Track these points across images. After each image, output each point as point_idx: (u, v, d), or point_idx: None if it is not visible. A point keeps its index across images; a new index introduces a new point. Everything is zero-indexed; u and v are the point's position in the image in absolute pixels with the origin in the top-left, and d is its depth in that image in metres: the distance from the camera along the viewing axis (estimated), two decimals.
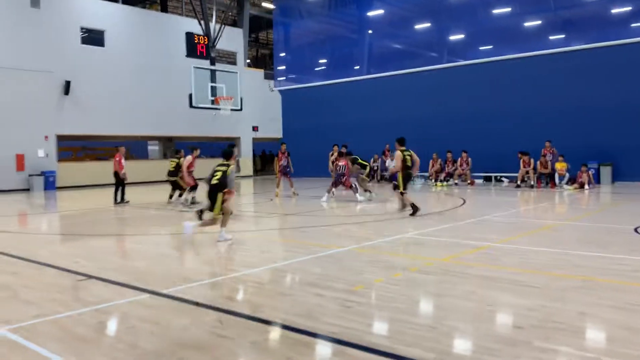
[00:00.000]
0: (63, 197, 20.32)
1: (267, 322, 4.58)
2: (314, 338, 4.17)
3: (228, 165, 9.18)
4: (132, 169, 28.16)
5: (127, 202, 15.96)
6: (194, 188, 14.89)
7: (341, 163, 15.13)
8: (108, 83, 27.04)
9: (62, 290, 5.81)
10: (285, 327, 4.45)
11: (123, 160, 16.01)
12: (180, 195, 15.65)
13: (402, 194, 11.76)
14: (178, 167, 15.34)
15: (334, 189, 15.80)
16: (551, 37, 22.75)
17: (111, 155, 34.28)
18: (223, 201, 8.87)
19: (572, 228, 9.78)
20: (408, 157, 11.77)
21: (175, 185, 15.65)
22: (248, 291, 5.71)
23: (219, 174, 9.06)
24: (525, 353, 3.75)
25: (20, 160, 24.02)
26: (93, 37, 26.95)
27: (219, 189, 8.86)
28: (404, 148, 11.86)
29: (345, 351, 3.88)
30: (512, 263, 6.66)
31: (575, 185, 17.83)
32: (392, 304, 4.98)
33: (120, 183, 15.95)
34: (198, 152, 15.11)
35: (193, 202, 14.77)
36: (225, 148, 9.57)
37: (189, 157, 14.79)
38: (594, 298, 5.06)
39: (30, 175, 24.11)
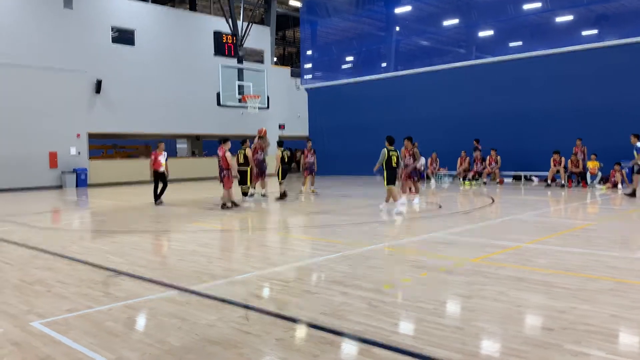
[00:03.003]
0: (94, 194, 20.75)
1: (292, 320, 4.59)
2: (339, 336, 4.16)
3: (397, 150, 12.23)
4: None
5: (161, 202, 15.38)
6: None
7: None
8: (138, 82, 27.49)
9: (93, 286, 5.94)
10: (311, 325, 4.45)
11: (162, 158, 15.17)
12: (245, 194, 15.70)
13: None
14: (246, 158, 15.30)
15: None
16: (584, 33, 22.21)
17: (141, 153, 34.98)
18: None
19: (605, 229, 9.55)
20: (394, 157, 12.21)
21: (242, 179, 15.50)
22: (274, 289, 5.74)
23: (394, 159, 12.07)
24: (555, 356, 3.67)
25: (53, 158, 24.63)
26: (124, 37, 27.42)
27: (398, 170, 12.21)
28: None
29: (371, 350, 3.86)
30: (543, 264, 6.53)
31: (608, 184, 17.41)
32: (419, 304, 4.94)
33: (157, 182, 15.35)
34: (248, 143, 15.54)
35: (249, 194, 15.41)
36: (389, 135, 12.28)
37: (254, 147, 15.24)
38: (626, 300, 4.94)
39: (62, 173, 24.70)
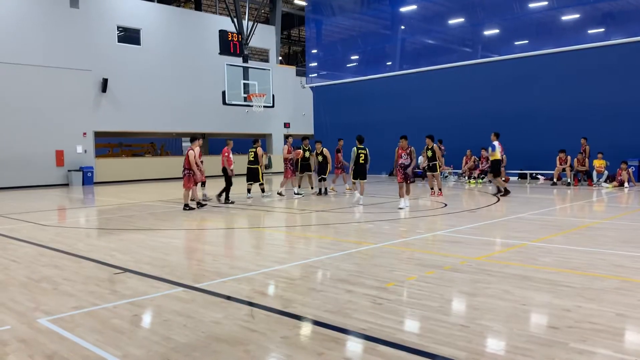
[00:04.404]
0: (100, 192, 20.83)
1: (298, 318, 4.60)
2: (344, 334, 4.17)
3: (365, 148, 13.85)
4: (166, 164, 28.75)
5: (232, 202, 14.72)
6: (203, 184, 14.87)
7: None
8: (144, 80, 27.59)
9: (100, 283, 5.97)
10: (316, 322, 4.46)
11: (232, 155, 14.98)
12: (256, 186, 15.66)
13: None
14: (256, 156, 15.32)
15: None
16: (590, 31, 22.09)
17: (147, 152, 35.03)
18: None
19: (611, 227, 9.51)
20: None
21: (252, 176, 15.51)
22: (279, 287, 5.75)
23: (362, 156, 13.75)
24: (560, 354, 3.67)
25: (59, 156, 24.76)
26: (129, 36, 27.53)
27: (366, 166, 13.76)
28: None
29: (376, 348, 3.87)
30: (548, 262, 6.52)
31: (614, 183, 17.35)
32: (424, 302, 4.94)
33: (229, 180, 14.87)
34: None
35: (205, 199, 15.06)
36: (360, 135, 13.96)
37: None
38: (632, 299, 4.92)
39: (69, 171, 24.84)
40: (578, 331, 4.09)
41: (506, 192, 15.06)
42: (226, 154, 14.88)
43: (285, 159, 16.36)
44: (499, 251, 7.27)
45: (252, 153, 15.44)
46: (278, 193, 16.35)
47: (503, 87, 22.19)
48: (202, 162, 13.85)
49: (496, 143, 15.17)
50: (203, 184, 14.92)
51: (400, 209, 12.33)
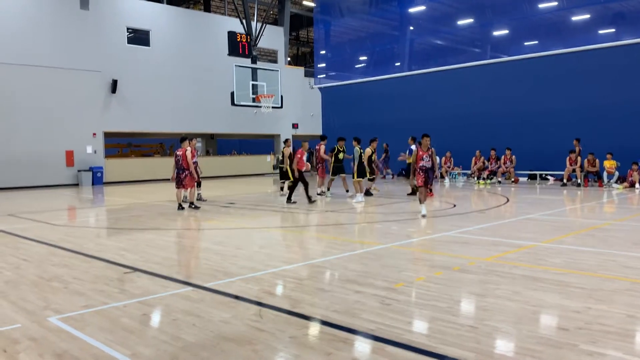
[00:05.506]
0: (110, 192, 20.95)
1: (306, 318, 4.60)
2: (353, 335, 4.17)
3: (362, 148, 15.16)
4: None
5: (314, 200, 14.62)
6: (198, 185, 14.74)
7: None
8: (153, 81, 27.72)
9: (109, 282, 6.00)
10: (324, 322, 4.46)
11: (304, 157, 14.54)
12: (281, 189, 16.21)
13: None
14: (284, 156, 15.50)
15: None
16: (600, 31, 21.94)
17: (156, 152, 35.17)
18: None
19: (621, 228, 9.44)
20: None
21: (284, 175, 15.77)
22: (287, 286, 5.76)
23: (365, 156, 14.99)
24: (570, 356, 3.64)
25: (69, 157, 24.94)
26: (139, 37, 27.68)
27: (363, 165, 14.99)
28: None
29: (385, 348, 3.86)
30: (558, 263, 6.48)
31: (625, 184, 17.21)
32: (432, 303, 4.93)
33: (304, 182, 14.29)
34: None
35: (200, 199, 15.19)
36: (356, 136, 15.57)
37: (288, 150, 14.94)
38: None
39: (79, 171, 25.01)
40: (588, 333, 4.07)
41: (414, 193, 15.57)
42: (299, 155, 14.37)
43: (320, 160, 16.38)
44: (508, 252, 7.23)
45: (282, 153, 15.80)
46: (324, 193, 16.36)
47: (512, 88, 22.08)
48: (195, 162, 13.82)
49: (413, 147, 15.81)
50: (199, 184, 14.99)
51: (424, 216, 10.96)
